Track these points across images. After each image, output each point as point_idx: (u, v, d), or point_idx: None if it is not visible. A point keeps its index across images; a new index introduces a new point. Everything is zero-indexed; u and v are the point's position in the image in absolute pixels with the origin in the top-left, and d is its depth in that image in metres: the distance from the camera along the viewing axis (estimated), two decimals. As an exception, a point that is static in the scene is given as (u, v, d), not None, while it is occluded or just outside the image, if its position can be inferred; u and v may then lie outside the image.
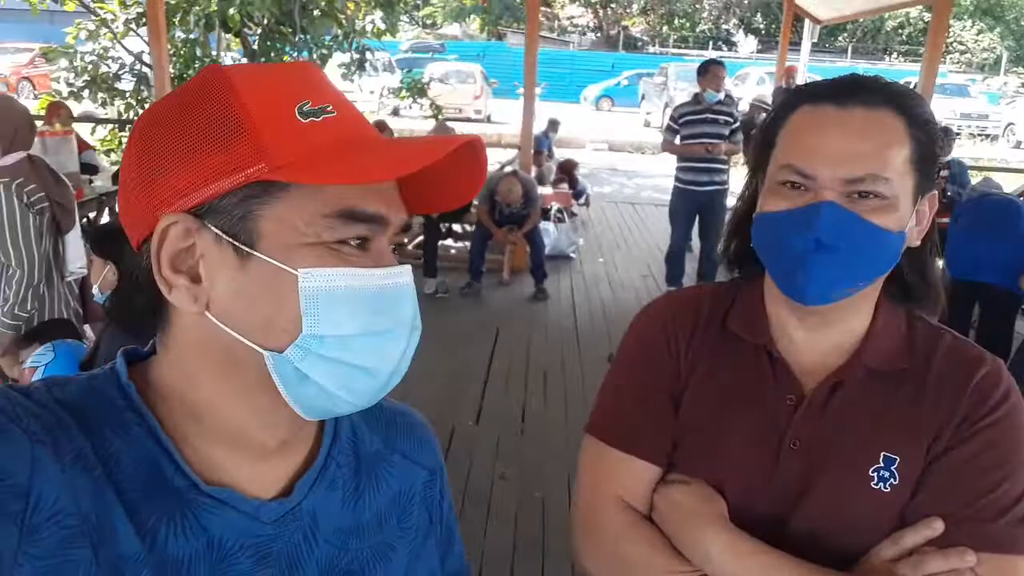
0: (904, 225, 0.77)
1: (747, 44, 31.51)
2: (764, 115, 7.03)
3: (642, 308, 0.96)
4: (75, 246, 2.61)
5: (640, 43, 33.55)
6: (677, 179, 5.44)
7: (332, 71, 8.72)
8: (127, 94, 8.17)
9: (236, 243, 0.51)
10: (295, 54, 7.92)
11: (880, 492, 0.78)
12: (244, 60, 8.24)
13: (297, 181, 0.50)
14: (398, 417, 0.73)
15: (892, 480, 0.78)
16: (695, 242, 5.86)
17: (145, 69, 7.98)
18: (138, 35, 7.83)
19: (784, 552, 0.76)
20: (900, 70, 24.37)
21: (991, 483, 0.75)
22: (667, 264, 5.61)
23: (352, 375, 0.54)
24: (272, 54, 7.90)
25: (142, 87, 8.09)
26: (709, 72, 5.20)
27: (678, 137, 5.30)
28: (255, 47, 7.98)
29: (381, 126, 6.21)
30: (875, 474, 0.78)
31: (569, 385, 4.10)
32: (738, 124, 5.37)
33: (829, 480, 0.79)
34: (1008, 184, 6.39)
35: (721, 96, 5.25)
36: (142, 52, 8.05)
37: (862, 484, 0.78)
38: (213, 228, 0.51)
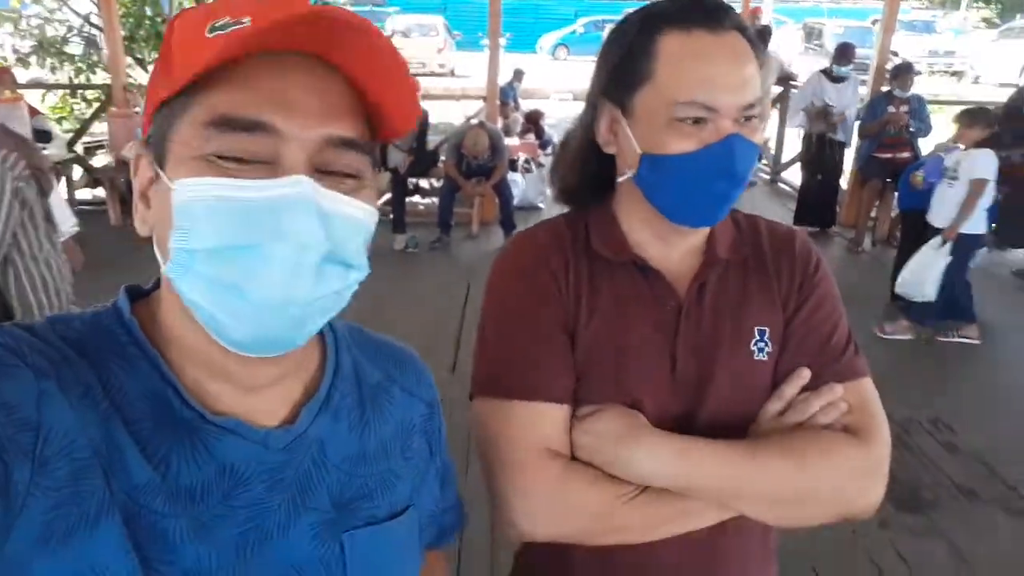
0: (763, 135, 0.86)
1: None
2: None
3: (501, 255, 0.93)
4: (60, 207, 2.55)
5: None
6: None
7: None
8: (76, 58, 7.90)
9: (155, 165, 0.53)
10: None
11: (761, 362, 0.87)
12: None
13: (173, 88, 0.50)
14: (396, 352, 0.74)
15: (767, 348, 0.88)
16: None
17: (94, 31, 7.70)
18: (84, -5, 7.54)
19: (700, 438, 0.82)
20: (864, 8, 24.30)
21: (831, 327, 0.89)
22: None
23: (225, 294, 0.50)
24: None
25: (91, 51, 7.82)
26: None
27: None
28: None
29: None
30: (755, 347, 0.88)
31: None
32: None
33: (722, 365, 0.86)
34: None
35: None
36: (90, 13, 7.76)
37: (748, 359, 0.87)
38: (148, 154, 0.54)
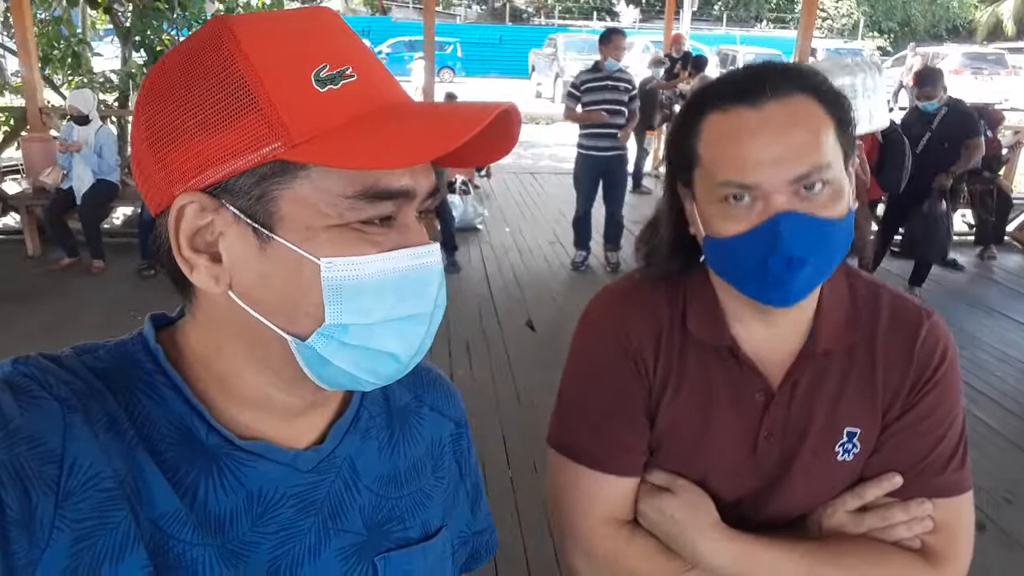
0: (849, 201, 0.77)
1: (629, 14, 32.22)
2: (662, 68, 7.05)
3: (592, 308, 0.93)
4: None
5: (526, 15, 33.63)
6: (580, 145, 5.52)
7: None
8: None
9: (256, 225, 0.49)
10: (173, 32, 7.47)
11: (845, 463, 0.85)
12: (116, 39, 7.70)
13: (316, 163, 0.47)
14: (423, 372, 0.73)
15: (855, 450, 0.85)
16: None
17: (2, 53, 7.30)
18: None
19: (769, 535, 0.83)
20: (772, 36, 25.64)
21: (937, 438, 0.84)
22: (575, 229, 5.73)
23: (376, 359, 0.53)
24: (148, 32, 7.41)
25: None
26: (612, 41, 5.32)
27: (579, 105, 5.41)
28: (128, 24, 7.47)
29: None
30: (840, 448, 0.85)
31: (493, 352, 4.18)
32: (636, 91, 5.57)
33: (801, 462, 0.85)
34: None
35: (621, 64, 5.39)
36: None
37: (830, 460, 0.85)
38: (231, 208, 0.49)
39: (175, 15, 7.24)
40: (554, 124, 12.94)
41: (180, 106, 0.49)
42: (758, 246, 0.75)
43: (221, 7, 7.74)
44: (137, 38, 7.43)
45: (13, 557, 0.44)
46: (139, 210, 5.42)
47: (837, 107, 0.76)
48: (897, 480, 0.84)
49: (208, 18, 7.78)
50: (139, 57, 7.60)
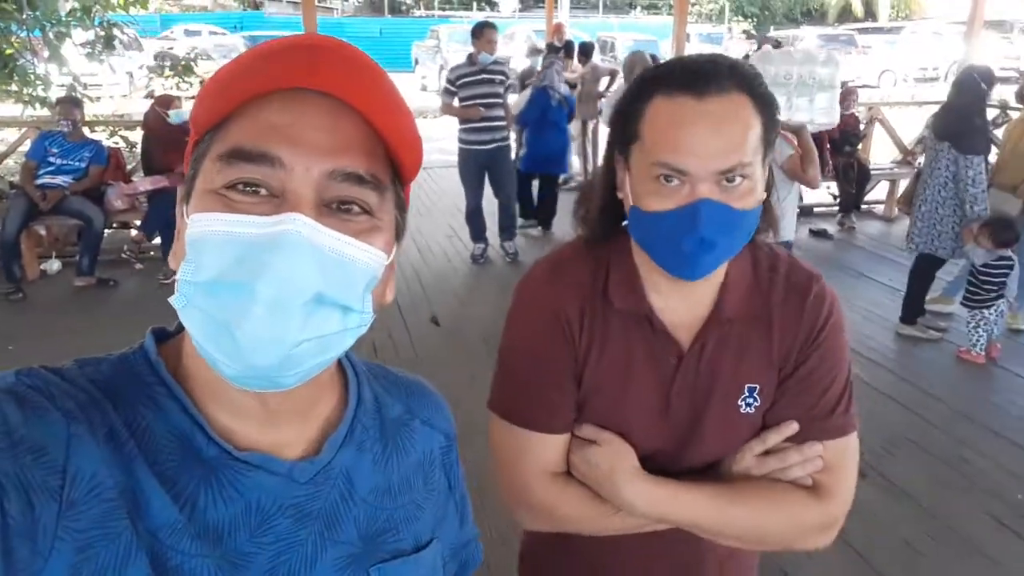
0: (761, 194, 0.86)
1: (508, 4, 32.44)
2: (540, 56, 7.17)
3: (525, 281, 1.00)
4: None
5: (405, 7, 33.18)
6: (461, 140, 5.50)
7: (72, 52, 7.69)
8: None
9: (183, 204, 0.54)
10: (23, 33, 6.87)
11: (748, 415, 0.96)
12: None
13: (199, 135, 0.54)
14: (414, 386, 0.74)
15: (755, 404, 0.96)
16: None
17: None
18: None
19: (684, 480, 0.93)
20: (645, 24, 26.54)
21: (824, 387, 0.95)
22: (468, 223, 5.74)
23: (216, 331, 0.49)
24: (-6, 35, 6.77)
25: None
26: (484, 35, 5.32)
27: (456, 99, 5.40)
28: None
29: (166, 101, 5.53)
30: (743, 403, 0.95)
31: (401, 351, 4.16)
32: (512, 82, 5.63)
33: (710, 416, 0.95)
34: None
35: (495, 56, 5.40)
36: None
37: (734, 413, 0.96)
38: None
39: (24, 15, 6.66)
40: (442, 117, 12.85)
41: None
42: (678, 224, 0.83)
43: (76, 4, 7.19)
44: (-18, 41, 6.80)
45: (15, 567, 0.44)
46: (-1, 228, 4.96)
47: (768, 109, 0.84)
48: (794, 427, 0.95)
49: (63, 17, 7.22)
50: (-15, 61, 6.95)
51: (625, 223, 0.94)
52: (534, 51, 8.61)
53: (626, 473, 0.92)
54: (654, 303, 0.94)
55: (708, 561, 1.05)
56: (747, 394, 0.95)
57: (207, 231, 0.50)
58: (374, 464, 0.65)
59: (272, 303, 0.48)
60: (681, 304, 0.95)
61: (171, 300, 0.51)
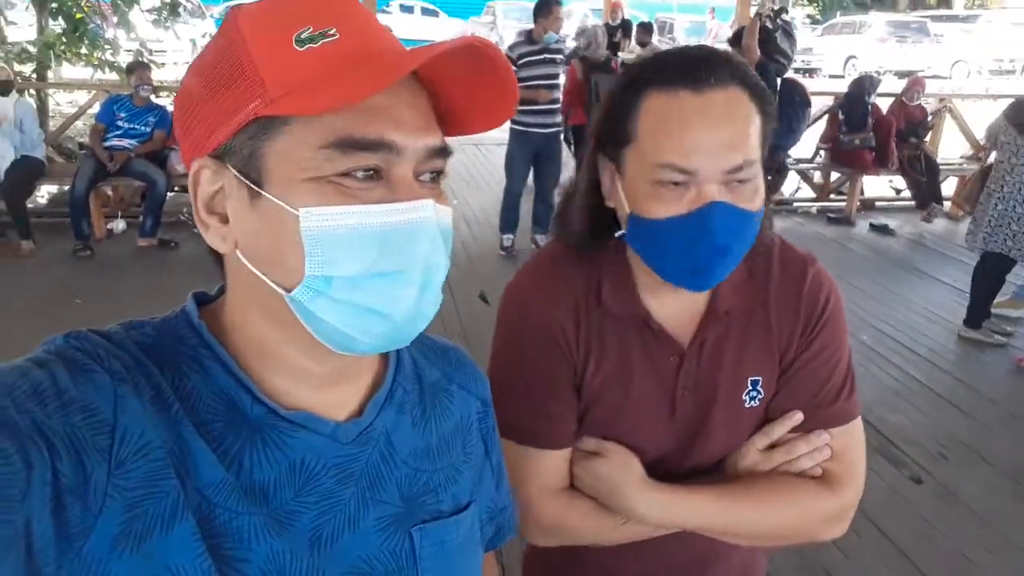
0: (763, 194, 0.81)
1: (566, -20, 31.94)
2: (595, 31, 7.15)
3: (512, 290, 0.94)
4: None
5: (462, -20, 32.97)
6: (516, 121, 5.11)
7: (139, 18, 7.87)
8: None
9: (247, 182, 0.52)
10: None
11: (752, 409, 0.93)
12: (31, 6, 7.22)
13: (287, 114, 0.50)
14: (451, 352, 0.75)
15: (759, 396, 0.93)
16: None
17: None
18: None
19: (692, 483, 0.91)
20: (704, 4, 25.88)
21: (827, 374, 0.92)
22: (504, 211, 5.42)
23: (364, 317, 0.53)
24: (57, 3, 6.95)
25: None
26: (552, 11, 4.98)
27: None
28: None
29: None
30: (746, 396, 0.92)
31: (448, 323, 4.20)
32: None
33: (716, 413, 0.92)
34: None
35: (559, 36, 5.14)
36: None
37: (739, 408, 0.93)
38: (231, 168, 0.53)
39: (95, -20, 6.83)
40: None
41: (199, 78, 0.54)
42: (688, 232, 0.77)
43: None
44: (54, 5, 7.00)
45: (68, 524, 0.45)
46: (68, 188, 5.16)
47: (763, 102, 0.79)
48: (798, 417, 0.92)
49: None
50: (57, 26, 7.17)
51: (619, 233, 0.88)
52: (582, 33, 8.36)
53: (634, 484, 0.90)
54: (649, 304, 0.90)
55: (719, 557, 1.02)
56: (750, 387, 0.92)
57: (337, 225, 0.50)
58: (414, 426, 0.66)
59: (423, 286, 0.54)
60: (677, 303, 0.91)
61: (296, 295, 0.52)
